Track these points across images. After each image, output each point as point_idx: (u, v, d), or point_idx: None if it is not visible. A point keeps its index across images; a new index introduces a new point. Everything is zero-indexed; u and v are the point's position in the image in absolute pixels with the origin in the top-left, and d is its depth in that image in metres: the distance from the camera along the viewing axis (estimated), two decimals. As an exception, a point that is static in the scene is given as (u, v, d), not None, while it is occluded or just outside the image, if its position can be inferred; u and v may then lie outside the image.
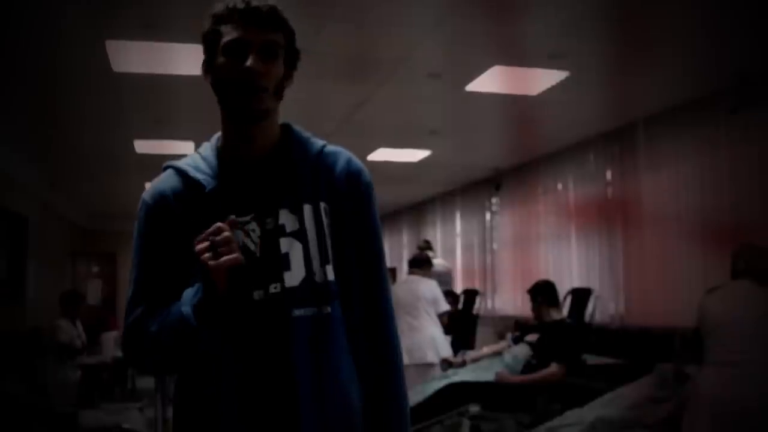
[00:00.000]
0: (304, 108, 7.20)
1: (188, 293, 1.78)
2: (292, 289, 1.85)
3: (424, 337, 7.31)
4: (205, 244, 1.71)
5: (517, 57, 6.02)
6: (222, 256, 1.70)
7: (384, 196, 13.68)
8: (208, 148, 1.99)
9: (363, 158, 9.49)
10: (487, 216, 11.76)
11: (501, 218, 11.39)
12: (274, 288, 1.84)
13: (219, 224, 1.72)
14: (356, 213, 1.98)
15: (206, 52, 1.90)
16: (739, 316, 4.46)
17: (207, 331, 1.76)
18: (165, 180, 1.95)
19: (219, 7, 1.86)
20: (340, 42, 5.66)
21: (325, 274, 1.88)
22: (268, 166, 1.91)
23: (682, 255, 7.21)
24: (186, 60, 5.77)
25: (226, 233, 1.72)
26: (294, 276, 1.86)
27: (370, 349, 1.97)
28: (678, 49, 5.78)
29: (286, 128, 2.01)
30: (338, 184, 1.96)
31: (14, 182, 9.44)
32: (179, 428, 1.93)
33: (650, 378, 5.26)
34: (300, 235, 1.88)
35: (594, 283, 8.48)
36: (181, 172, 1.93)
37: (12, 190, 9.39)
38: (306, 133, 2.04)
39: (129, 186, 11.51)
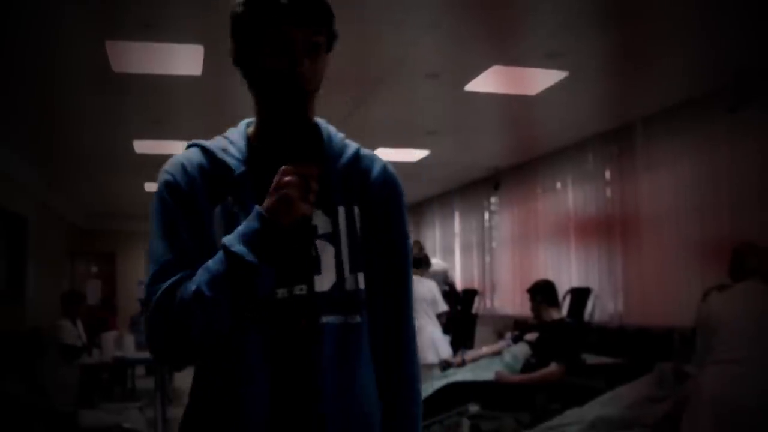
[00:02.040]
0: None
1: (229, 237, 1.67)
2: (322, 294, 1.77)
3: (424, 338, 7.30)
4: (296, 178, 1.66)
5: (515, 57, 6.02)
6: (305, 199, 1.66)
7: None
8: (236, 133, 1.89)
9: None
10: (486, 215, 11.77)
11: (500, 218, 11.39)
12: (300, 290, 1.76)
13: (313, 167, 1.69)
14: (387, 221, 1.91)
15: (239, 39, 1.80)
16: (745, 315, 4.46)
17: (265, 267, 1.66)
18: (190, 155, 1.84)
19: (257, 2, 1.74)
20: (339, 42, 5.65)
21: (356, 281, 1.81)
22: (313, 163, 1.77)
23: (681, 254, 7.21)
24: (186, 60, 5.77)
25: (316, 185, 1.68)
26: (324, 280, 1.77)
27: (391, 363, 1.90)
28: (676, 48, 5.78)
29: (318, 126, 1.94)
30: (373, 189, 1.89)
31: (13, 182, 9.44)
32: (192, 424, 1.80)
33: (649, 377, 5.26)
34: (333, 238, 1.80)
35: (593, 283, 8.48)
36: (208, 152, 1.83)
37: (11, 190, 9.38)
38: (340, 134, 1.97)
39: (128, 186, 11.52)
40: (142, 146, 8.84)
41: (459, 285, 11.77)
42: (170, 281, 1.69)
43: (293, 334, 1.74)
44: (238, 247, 1.65)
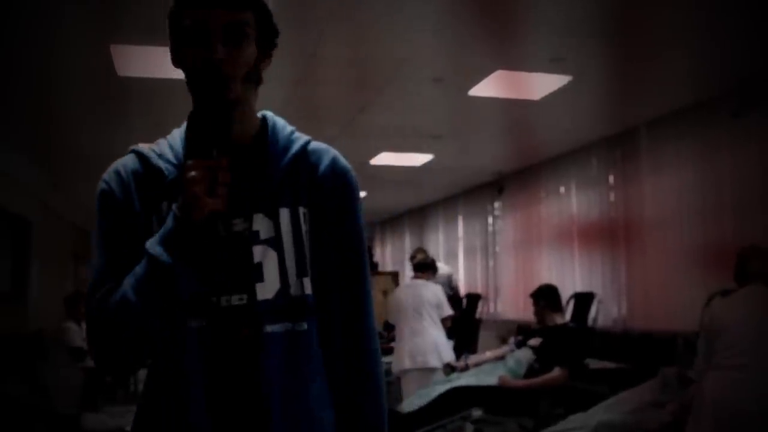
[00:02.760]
0: (307, 112, 7.23)
1: (150, 240, 1.63)
2: (266, 302, 1.70)
3: (427, 342, 7.31)
4: (200, 172, 1.60)
5: (519, 61, 6.02)
6: (213, 193, 1.60)
7: (386, 200, 13.72)
8: (176, 134, 1.84)
9: (365, 162, 9.55)
10: (490, 220, 11.76)
11: (503, 222, 11.38)
12: (239, 299, 1.70)
13: (222, 159, 1.61)
14: (339, 217, 1.82)
15: (171, 37, 1.73)
16: (748, 320, 4.44)
17: (181, 266, 1.61)
18: (126, 162, 1.80)
19: None
20: (343, 46, 5.66)
21: (302, 286, 1.74)
22: (242, 162, 1.72)
23: (685, 258, 7.20)
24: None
25: (227, 174, 1.61)
26: (267, 288, 1.71)
27: (350, 367, 1.83)
28: (680, 52, 5.77)
29: (266, 120, 1.85)
30: (321, 185, 1.80)
31: (17, 184, 9.44)
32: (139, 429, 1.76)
33: (653, 382, 5.25)
34: (276, 243, 1.73)
35: (597, 288, 8.46)
36: (142, 157, 1.79)
37: (15, 191, 9.38)
38: (289, 128, 1.87)
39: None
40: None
41: (462, 289, 11.77)
42: (102, 291, 1.68)
43: (234, 344, 1.69)
44: (155, 249, 1.62)
